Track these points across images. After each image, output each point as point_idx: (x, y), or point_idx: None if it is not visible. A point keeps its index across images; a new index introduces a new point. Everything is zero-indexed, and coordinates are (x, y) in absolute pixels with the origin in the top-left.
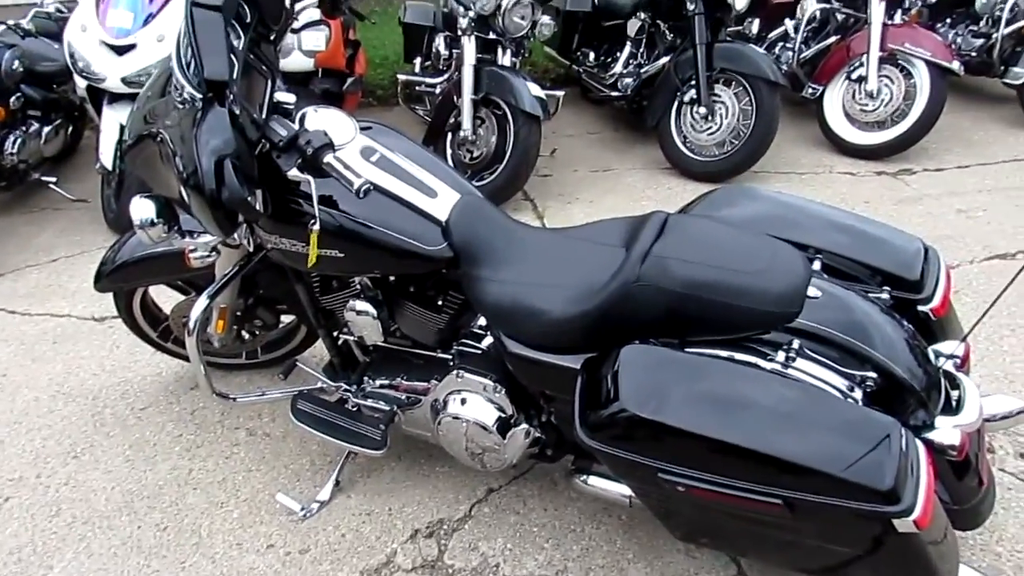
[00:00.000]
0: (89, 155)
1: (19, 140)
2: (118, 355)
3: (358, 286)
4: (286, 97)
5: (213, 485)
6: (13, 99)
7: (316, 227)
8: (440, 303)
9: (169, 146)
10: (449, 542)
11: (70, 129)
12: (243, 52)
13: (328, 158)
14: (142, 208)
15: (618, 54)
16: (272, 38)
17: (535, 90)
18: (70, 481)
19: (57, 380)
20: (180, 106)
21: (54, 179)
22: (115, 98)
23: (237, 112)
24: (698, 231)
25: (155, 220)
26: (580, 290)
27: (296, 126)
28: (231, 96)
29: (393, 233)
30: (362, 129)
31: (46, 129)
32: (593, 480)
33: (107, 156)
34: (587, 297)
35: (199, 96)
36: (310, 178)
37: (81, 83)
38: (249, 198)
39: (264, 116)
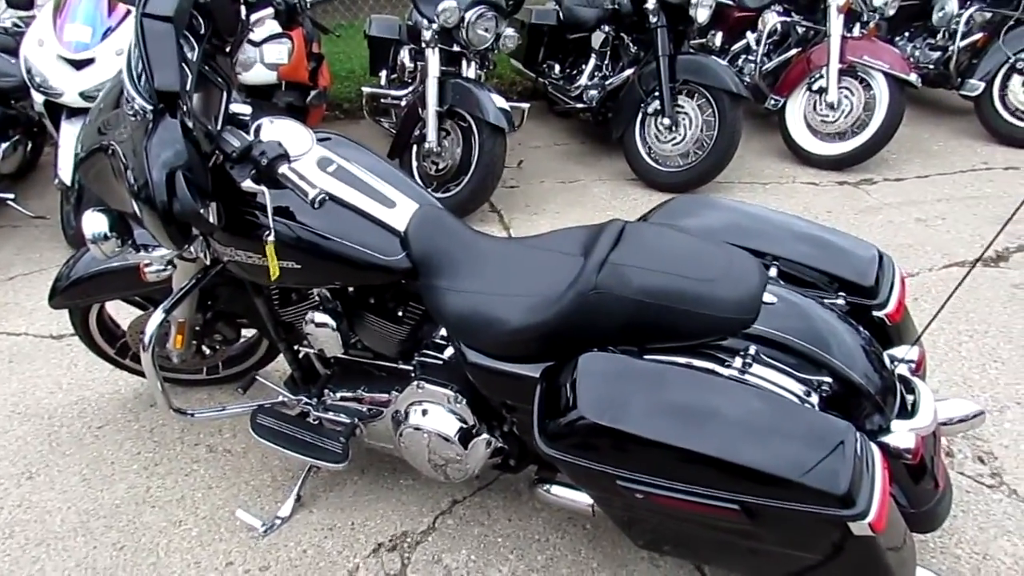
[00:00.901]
0: (48, 171)
1: None
2: (76, 373)
3: (317, 298)
4: (242, 109)
5: (171, 503)
6: None
7: (271, 238)
8: (400, 314)
9: (120, 159)
10: (412, 555)
11: (29, 145)
12: (196, 63)
13: (283, 169)
14: (95, 222)
15: (583, 66)
16: (228, 49)
17: (499, 102)
18: (23, 502)
19: (12, 400)
20: (131, 118)
21: (12, 196)
22: (73, 113)
23: (189, 123)
24: (655, 239)
25: (108, 234)
26: (538, 299)
27: (251, 137)
28: (183, 107)
29: (351, 244)
30: (320, 140)
31: (3, 145)
32: (556, 490)
33: (66, 172)
34: (545, 306)
35: (149, 108)
36: (264, 189)
37: (39, 98)
38: (202, 210)
39: (219, 127)
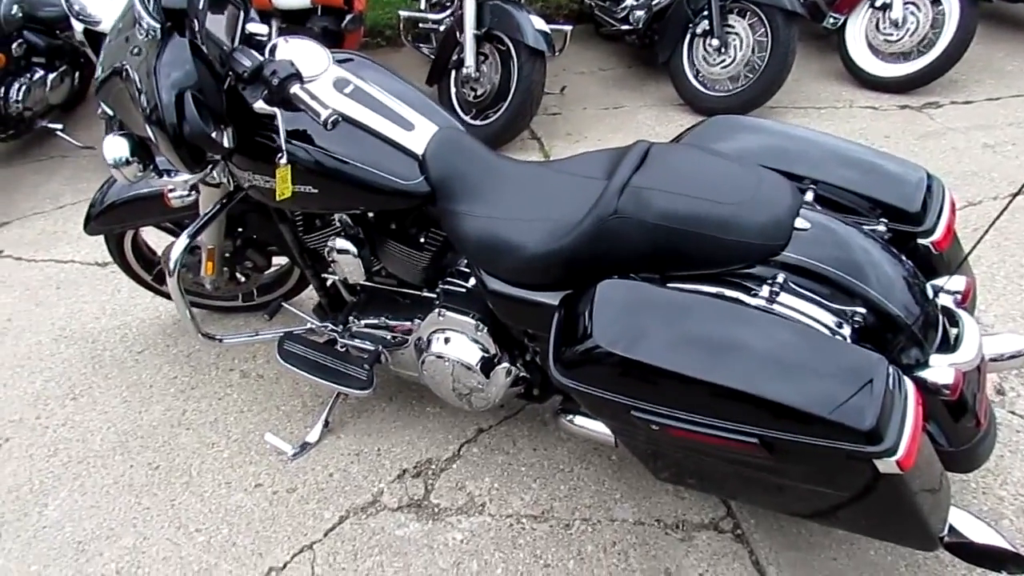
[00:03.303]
0: (94, 102)
1: (23, 87)
2: (119, 299)
3: (339, 224)
4: (259, 29)
5: (205, 426)
6: (15, 46)
7: (283, 161)
8: (422, 240)
9: (134, 81)
10: (436, 482)
11: (76, 76)
12: None
13: (295, 89)
14: (115, 146)
15: None
16: None
17: (539, 24)
18: (68, 422)
19: (59, 324)
20: (142, 39)
21: (60, 126)
22: None
23: (200, 43)
24: (681, 161)
25: (129, 158)
26: (558, 224)
27: (265, 57)
28: (193, 26)
29: (367, 167)
30: (340, 61)
31: (50, 76)
32: (579, 420)
33: None
34: (565, 231)
35: (158, 26)
36: (277, 110)
37: (78, 27)
38: (214, 133)
39: (233, 48)
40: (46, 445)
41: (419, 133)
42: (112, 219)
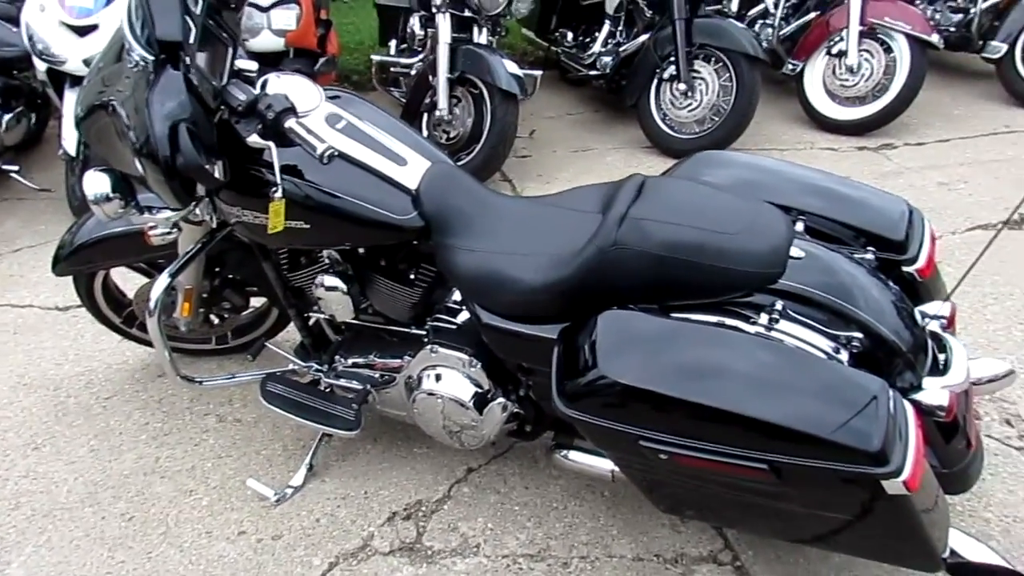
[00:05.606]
0: (53, 144)
1: None
2: (82, 344)
3: (327, 261)
4: (248, 65)
5: (181, 473)
6: None
7: (278, 195)
8: (412, 276)
9: (121, 115)
10: (428, 524)
11: (33, 117)
12: (201, 17)
13: (290, 123)
14: (96, 182)
15: (596, 33)
16: (233, 5)
17: (512, 68)
18: (30, 473)
19: (18, 371)
20: (133, 71)
21: (16, 168)
22: (77, 81)
23: (193, 77)
24: (677, 193)
25: (110, 195)
26: (555, 257)
27: (259, 91)
28: (186, 59)
29: (361, 202)
30: (329, 98)
31: (7, 117)
32: (574, 455)
33: (70, 143)
34: (563, 264)
35: (151, 58)
36: (271, 145)
37: (41, 66)
38: (207, 166)
39: (224, 83)
40: (7, 498)
41: (412, 168)
42: (83, 259)
